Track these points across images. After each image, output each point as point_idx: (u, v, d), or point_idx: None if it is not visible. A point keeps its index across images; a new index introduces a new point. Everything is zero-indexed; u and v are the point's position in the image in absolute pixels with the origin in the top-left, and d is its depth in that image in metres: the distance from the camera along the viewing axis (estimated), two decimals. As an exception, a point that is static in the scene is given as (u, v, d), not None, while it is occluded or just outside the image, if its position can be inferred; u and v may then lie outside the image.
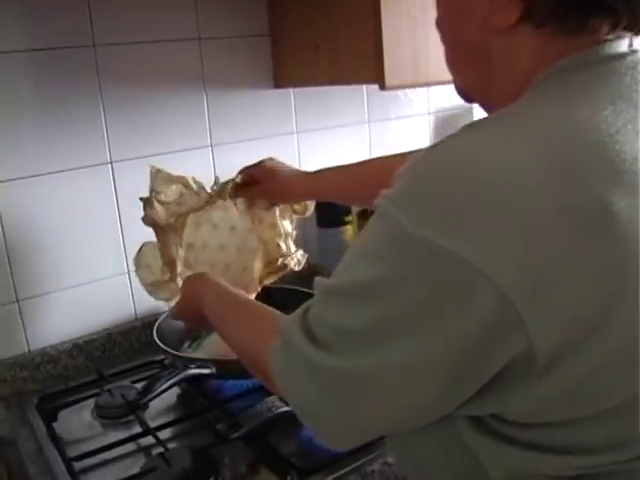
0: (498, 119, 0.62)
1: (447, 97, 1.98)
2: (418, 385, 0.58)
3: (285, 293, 1.49)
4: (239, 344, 0.90)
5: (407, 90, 1.87)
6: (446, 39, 0.75)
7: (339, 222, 1.65)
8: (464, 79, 0.76)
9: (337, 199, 1.35)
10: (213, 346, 1.36)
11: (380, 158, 1.28)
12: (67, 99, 1.33)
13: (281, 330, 0.69)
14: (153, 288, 1.21)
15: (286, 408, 1.07)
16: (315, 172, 1.31)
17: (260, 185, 1.28)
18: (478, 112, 2.04)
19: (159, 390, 1.08)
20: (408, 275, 0.56)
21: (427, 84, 1.43)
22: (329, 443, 0.68)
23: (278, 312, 0.86)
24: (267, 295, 1.34)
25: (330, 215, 1.65)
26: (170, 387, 1.10)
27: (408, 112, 1.90)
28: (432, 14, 1.32)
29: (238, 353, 0.89)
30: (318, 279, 0.68)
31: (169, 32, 1.43)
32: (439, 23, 0.76)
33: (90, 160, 1.38)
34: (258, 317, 0.89)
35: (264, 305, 0.92)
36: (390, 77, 1.29)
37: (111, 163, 1.40)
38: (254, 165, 1.31)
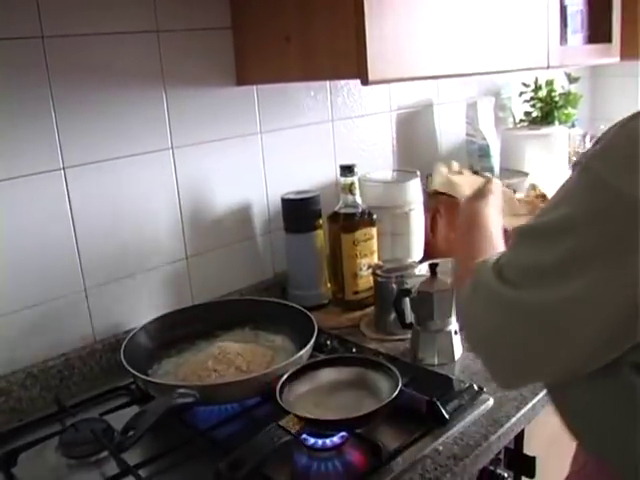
0: None
1: (408, 94, 1.93)
2: (595, 319, 0.66)
3: (250, 303, 1.42)
4: None
5: (370, 87, 1.80)
6: None
7: (309, 227, 1.55)
8: None
9: None
10: (183, 367, 1.24)
11: None
12: (12, 98, 1.17)
13: (475, 273, 0.80)
14: None
15: (287, 437, 0.96)
16: None
17: None
18: (437, 109, 2.00)
19: (146, 427, 0.95)
20: (597, 214, 0.65)
21: (410, 79, 1.35)
22: (497, 376, 0.79)
23: None
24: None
25: (299, 220, 1.55)
26: (157, 422, 0.97)
27: (371, 110, 1.83)
28: (416, 6, 1.27)
29: None
30: (517, 226, 0.76)
31: (125, 23, 1.29)
32: None
33: (40, 166, 1.22)
34: None
35: None
36: (373, 72, 1.21)
37: (63, 169, 1.25)
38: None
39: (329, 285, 1.60)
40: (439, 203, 1.76)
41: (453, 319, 1.29)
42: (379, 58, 1.21)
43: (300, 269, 1.58)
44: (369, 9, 1.17)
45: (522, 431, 1.17)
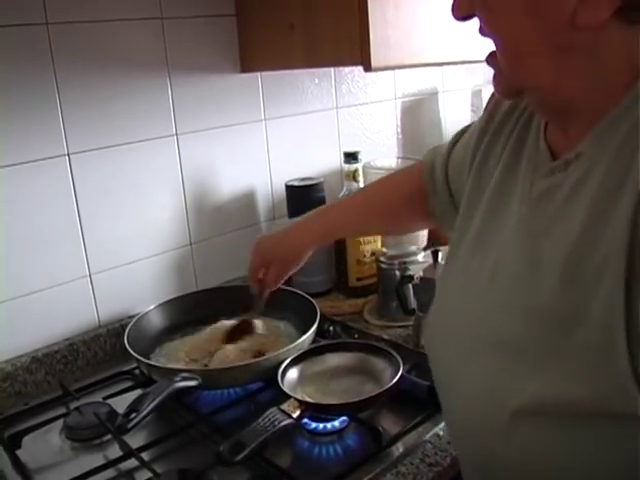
0: None
1: (413, 82, 1.93)
2: None
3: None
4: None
5: (374, 75, 1.80)
6: (512, 33, 0.66)
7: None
8: (539, 76, 0.66)
9: (346, 236, 1.43)
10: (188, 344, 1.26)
11: (378, 183, 1.23)
12: (18, 84, 1.18)
13: None
14: None
15: (288, 421, 0.97)
16: (317, 216, 1.20)
17: (270, 271, 1.19)
18: (442, 97, 1.99)
19: (148, 410, 0.96)
20: None
21: (413, 65, 1.35)
22: None
23: None
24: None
25: (303, 207, 1.53)
26: (158, 405, 0.98)
27: (375, 98, 1.83)
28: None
29: None
30: None
31: (129, 10, 1.30)
32: (496, 13, 0.66)
33: (45, 152, 1.23)
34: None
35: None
36: (376, 58, 1.21)
37: (68, 155, 1.26)
38: (252, 259, 1.21)
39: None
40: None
41: (455, 306, 1.29)
42: (382, 45, 1.21)
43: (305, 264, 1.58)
44: (372, -2, 1.18)
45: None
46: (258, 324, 1.29)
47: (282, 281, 1.22)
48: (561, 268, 0.62)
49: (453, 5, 0.69)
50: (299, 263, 1.19)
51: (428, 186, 1.07)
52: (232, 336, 1.26)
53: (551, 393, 0.61)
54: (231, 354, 1.19)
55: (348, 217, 1.18)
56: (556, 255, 0.64)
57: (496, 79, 0.71)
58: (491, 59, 0.69)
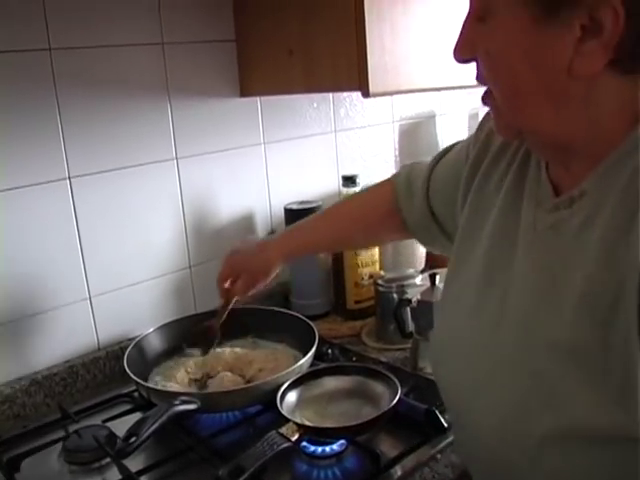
0: None
1: (410, 106, 1.95)
2: None
3: (252, 312, 1.43)
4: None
5: (372, 98, 1.81)
6: (512, 81, 0.68)
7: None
8: (538, 121, 0.69)
9: (317, 252, 1.44)
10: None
11: (351, 198, 1.28)
12: (20, 108, 1.19)
13: None
14: None
15: (287, 444, 0.97)
16: (285, 234, 1.25)
17: (239, 281, 1.21)
18: (440, 120, 2.01)
19: (148, 433, 0.96)
20: None
21: (410, 91, 1.37)
22: None
23: None
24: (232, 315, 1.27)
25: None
26: (158, 429, 0.98)
27: (373, 121, 1.85)
28: (414, 21, 1.29)
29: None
30: None
31: (131, 36, 1.32)
32: (497, 60, 0.69)
33: (46, 175, 1.24)
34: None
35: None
36: (374, 84, 1.23)
37: (69, 178, 1.27)
38: (223, 269, 1.22)
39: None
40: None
41: (453, 329, 1.30)
42: (379, 71, 1.23)
43: (302, 278, 1.60)
44: (370, 25, 1.20)
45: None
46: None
47: (250, 292, 1.24)
48: (577, 302, 0.65)
49: (455, 47, 0.71)
50: (268, 276, 1.21)
51: (403, 201, 1.09)
52: (195, 340, 1.28)
53: (575, 420, 0.64)
54: (228, 379, 1.20)
55: (320, 233, 1.21)
56: (571, 289, 0.66)
57: (496, 120, 0.74)
58: (489, 100, 0.72)
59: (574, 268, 0.66)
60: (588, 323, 0.63)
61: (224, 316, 1.26)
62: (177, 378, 1.24)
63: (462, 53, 0.71)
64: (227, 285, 1.22)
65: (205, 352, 1.27)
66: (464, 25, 0.71)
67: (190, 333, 1.30)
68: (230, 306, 1.25)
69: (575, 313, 0.65)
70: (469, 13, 0.70)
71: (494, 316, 0.77)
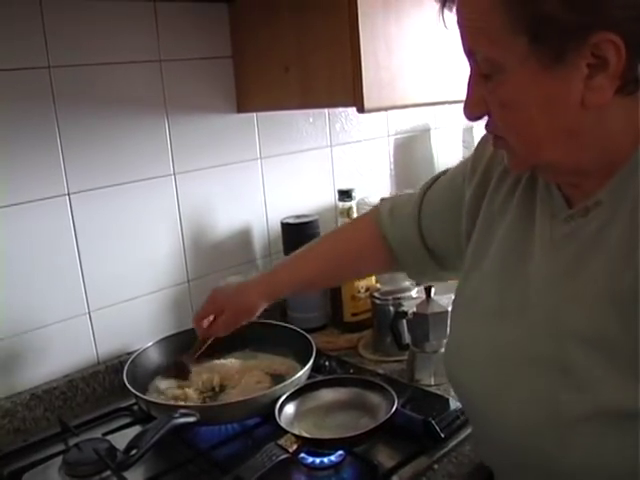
0: None
1: (405, 120, 1.97)
2: None
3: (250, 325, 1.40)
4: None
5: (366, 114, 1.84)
6: (529, 127, 0.73)
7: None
8: (554, 155, 0.75)
9: (302, 290, 1.36)
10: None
11: (332, 234, 1.27)
12: (19, 125, 1.21)
13: None
14: None
15: (285, 456, 0.99)
16: (267, 274, 1.23)
17: (221, 318, 1.19)
18: (435, 134, 2.04)
19: (148, 446, 0.97)
20: None
21: (404, 106, 1.39)
22: None
23: None
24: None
25: (299, 244, 1.57)
26: (158, 441, 0.99)
27: (368, 135, 1.87)
28: (408, 37, 1.31)
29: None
30: None
31: (129, 54, 1.34)
32: (514, 111, 0.73)
33: (46, 192, 1.26)
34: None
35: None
36: (369, 100, 1.25)
37: (68, 195, 1.29)
38: (205, 306, 1.21)
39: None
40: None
41: (449, 340, 1.32)
42: (374, 87, 1.25)
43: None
44: (364, 42, 1.22)
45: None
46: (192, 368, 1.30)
47: (231, 330, 1.22)
48: (601, 298, 0.70)
49: (465, 106, 0.76)
50: (252, 316, 1.20)
51: (388, 227, 1.12)
52: (169, 373, 1.29)
53: (606, 403, 0.69)
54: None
55: (304, 271, 1.19)
56: (593, 286, 0.72)
57: (510, 159, 0.79)
58: (499, 141, 0.77)
59: (594, 267, 0.72)
60: (614, 317, 0.68)
61: (199, 352, 1.25)
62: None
63: (474, 112, 0.76)
64: (206, 323, 1.21)
65: (180, 386, 1.26)
66: (470, 84, 0.75)
67: (164, 366, 1.31)
68: (207, 344, 1.24)
69: (600, 307, 0.70)
70: (472, 73, 0.75)
71: (517, 317, 0.81)
